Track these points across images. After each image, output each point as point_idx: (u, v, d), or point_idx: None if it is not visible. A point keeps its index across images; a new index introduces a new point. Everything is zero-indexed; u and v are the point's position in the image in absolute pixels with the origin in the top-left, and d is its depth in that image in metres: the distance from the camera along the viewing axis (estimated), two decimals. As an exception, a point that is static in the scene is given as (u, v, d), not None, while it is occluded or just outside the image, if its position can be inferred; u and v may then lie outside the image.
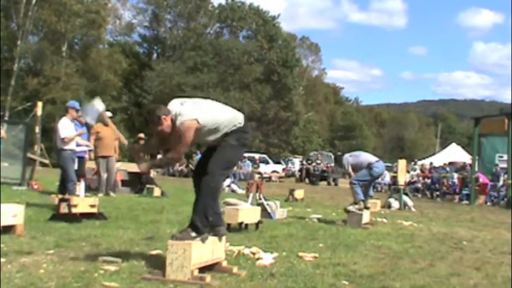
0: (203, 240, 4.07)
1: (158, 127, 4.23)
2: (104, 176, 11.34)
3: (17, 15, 33.39)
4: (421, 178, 23.46)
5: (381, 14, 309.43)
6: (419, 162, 28.97)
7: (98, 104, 4.81)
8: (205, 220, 4.20)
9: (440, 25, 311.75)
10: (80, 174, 10.40)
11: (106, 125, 11.71)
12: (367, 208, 8.85)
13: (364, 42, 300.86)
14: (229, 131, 4.32)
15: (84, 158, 10.45)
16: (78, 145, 8.67)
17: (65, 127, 8.26)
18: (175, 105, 4.27)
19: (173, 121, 4.20)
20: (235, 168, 11.59)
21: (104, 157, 11.24)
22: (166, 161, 4.97)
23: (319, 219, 9.00)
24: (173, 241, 3.99)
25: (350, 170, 9.19)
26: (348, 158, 9.32)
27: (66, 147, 8.19)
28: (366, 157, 9.31)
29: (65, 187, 8.25)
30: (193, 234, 4.10)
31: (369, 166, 8.98)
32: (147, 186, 12.75)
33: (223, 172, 4.35)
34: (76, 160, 8.53)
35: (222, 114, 4.37)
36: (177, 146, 4.24)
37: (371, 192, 9.62)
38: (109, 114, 12.15)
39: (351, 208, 8.65)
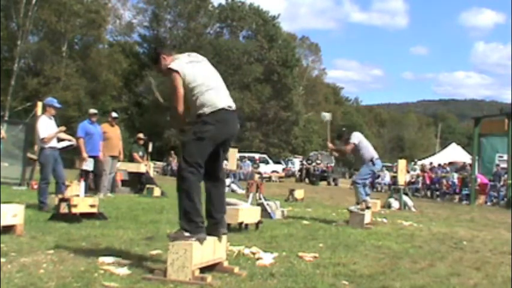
0: (200, 241, 3.98)
1: (156, 65, 4.49)
2: (110, 176, 11.44)
3: (17, 15, 33.37)
4: (421, 178, 23.46)
5: (382, 14, 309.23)
6: (419, 162, 28.99)
7: None
8: (189, 220, 4.06)
9: (442, 25, 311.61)
10: (98, 173, 10.48)
11: (112, 125, 11.86)
12: (368, 208, 8.86)
13: (365, 43, 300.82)
14: (197, 113, 4.19)
15: (98, 156, 10.51)
16: (60, 140, 8.64)
17: (44, 126, 8.25)
18: (180, 55, 4.44)
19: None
20: (234, 168, 11.49)
21: (112, 157, 11.40)
22: (173, 117, 4.50)
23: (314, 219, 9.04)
24: (178, 241, 3.97)
25: (356, 141, 8.91)
26: (360, 137, 9.08)
27: (46, 146, 8.20)
28: (372, 150, 9.24)
29: (59, 186, 8.24)
30: (187, 234, 4.03)
31: (372, 161, 8.94)
32: (147, 186, 12.77)
33: (190, 169, 4.11)
34: (57, 157, 8.45)
35: (204, 83, 4.24)
36: (173, 96, 4.30)
37: (367, 191, 9.61)
38: (114, 114, 12.30)
39: (353, 208, 8.65)
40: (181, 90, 4.24)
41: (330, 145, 9.40)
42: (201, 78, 4.27)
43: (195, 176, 4.12)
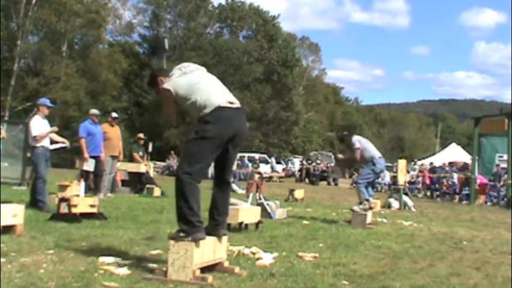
0: (196, 240, 3.96)
1: (154, 88, 4.59)
2: (110, 176, 11.43)
3: (17, 15, 33.34)
4: (421, 178, 23.46)
5: (384, 14, 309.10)
6: (419, 162, 28.99)
7: None
8: (185, 220, 4.03)
9: (443, 25, 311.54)
10: (98, 173, 10.48)
11: (112, 125, 11.85)
12: (371, 208, 8.85)
13: (366, 43, 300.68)
14: (198, 117, 4.20)
15: (99, 156, 10.49)
16: (53, 142, 8.64)
17: (37, 125, 8.28)
18: (173, 70, 4.48)
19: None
20: (234, 167, 11.49)
21: (112, 157, 11.39)
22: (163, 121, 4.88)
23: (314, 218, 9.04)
24: (175, 241, 3.97)
25: (359, 146, 8.90)
26: (361, 140, 9.07)
27: (38, 145, 8.22)
28: (372, 149, 9.19)
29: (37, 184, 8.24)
30: (182, 234, 4.01)
31: (372, 161, 8.90)
32: (147, 186, 12.77)
33: (187, 170, 4.07)
34: (48, 158, 8.45)
35: (199, 89, 4.26)
36: (164, 109, 4.50)
37: (371, 192, 9.59)
38: (114, 114, 12.30)
39: (356, 208, 8.64)
40: (169, 110, 4.47)
41: (340, 156, 9.41)
42: (194, 86, 4.29)
43: (191, 177, 4.08)
